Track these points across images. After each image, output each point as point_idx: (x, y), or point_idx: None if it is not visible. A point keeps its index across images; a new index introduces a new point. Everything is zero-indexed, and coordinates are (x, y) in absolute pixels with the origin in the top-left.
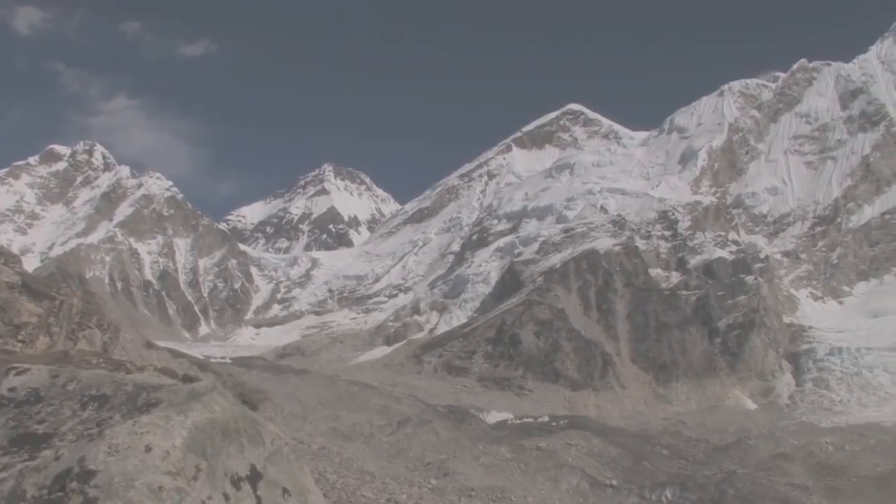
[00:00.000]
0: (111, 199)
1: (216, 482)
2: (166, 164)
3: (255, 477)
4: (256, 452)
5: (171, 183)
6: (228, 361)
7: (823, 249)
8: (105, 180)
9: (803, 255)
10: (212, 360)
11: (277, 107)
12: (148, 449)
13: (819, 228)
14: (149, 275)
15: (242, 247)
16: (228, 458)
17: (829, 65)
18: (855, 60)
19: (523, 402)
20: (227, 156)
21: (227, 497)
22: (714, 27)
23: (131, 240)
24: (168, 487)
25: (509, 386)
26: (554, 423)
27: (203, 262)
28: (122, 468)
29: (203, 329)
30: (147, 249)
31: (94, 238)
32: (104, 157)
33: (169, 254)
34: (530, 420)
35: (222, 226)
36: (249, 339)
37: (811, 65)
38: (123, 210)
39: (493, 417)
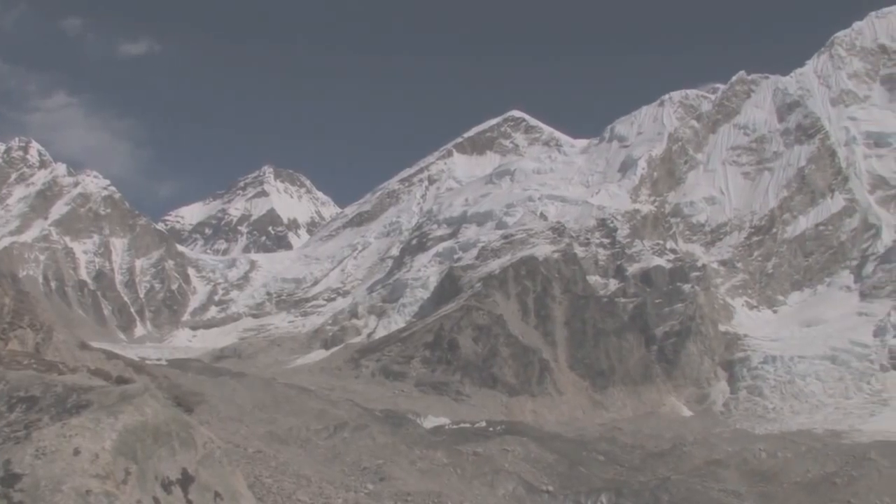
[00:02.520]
0: (46, 196)
1: (146, 486)
2: (105, 164)
3: (186, 481)
4: (188, 456)
5: (108, 182)
6: (164, 363)
7: (759, 259)
8: (40, 178)
9: (739, 265)
10: (147, 361)
11: (219, 108)
12: (76, 452)
13: (755, 238)
14: (84, 275)
15: (180, 248)
16: (159, 461)
17: (767, 78)
18: (792, 74)
19: (461, 408)
20: (168, 156)
21: (157, 501)
22: (655, 38)
23: (66, 239)
24: (96, 491)
25: (447, 391)
26: (491, 429)
27: (140, 263)
28: (49, 471)
29: (139, 330)
30: (83, 249)
31: (27, 236)
32: (40, 155)
33: (105, 253)
34: (467, 425)
35: (160, 226)
36: (186, 341)
37: (750, 77)
38: (59, 208)
39: (430, 422)
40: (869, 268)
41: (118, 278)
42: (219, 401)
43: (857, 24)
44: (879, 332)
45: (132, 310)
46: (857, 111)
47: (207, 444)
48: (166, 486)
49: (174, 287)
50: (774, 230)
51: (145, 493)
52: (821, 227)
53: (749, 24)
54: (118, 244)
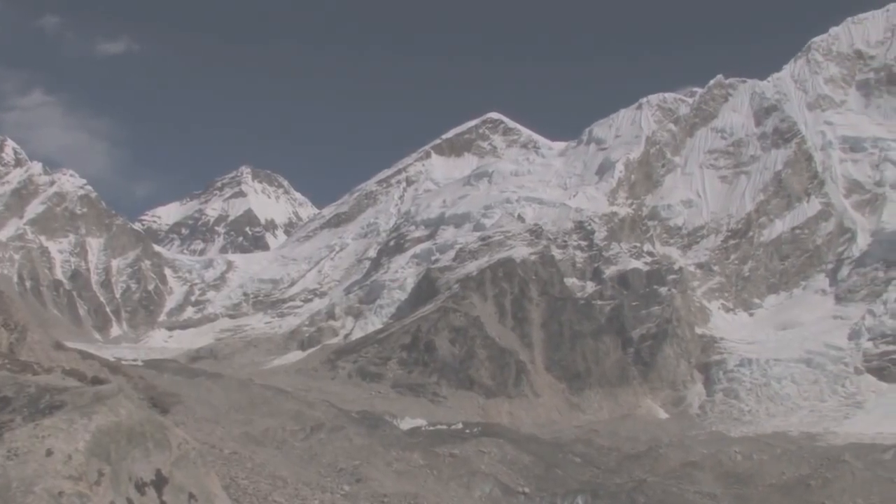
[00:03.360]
0: (22, 195)
1: (120, 487)
2: (82, 163)
3: (160, 482)
4: (162, 457)
5: (84, 181)
6: (140, 364)
7: (735, 262)
8: (16, 176)
9: (716, 268)
10: (123, 362)
11: (197, 107)
12: (49, 453)
13: (732, 241)
14: (59, 274)
15: (157, 248)
16: (133, 462)
17: (745, 82)
18: (769, 78)
19: (437, 409)
20: (145, 156)
21: (130, 502)
22: (633, 41)
23: (42, 238)
24: (69, 493)
25: (423, 392)
26: (467, 431)
27: (116, 263)
28: (20, 473)
29: (115, 330)
30: (58, 248)
31: (2, 235)
32: (15, 153)
33: (81, 253)
34: (444, 427)
35: (137, 226)
36: (162, 342)
37: (727, 81)
38: (34, 207)
39: (406, 424)
40: (844, 271)
41: (94, 278)
42: (195, 402)
43: (833, 30)
44: (854, 335)
45: (108, 310)
46: (833, 116)
47: (182, 446)
48: (140, 487)
49: (150, 287)
50: (751, 234)
51: (119, 494)
52: (797, 231)
53: (727, 28)
54: (94, 244)
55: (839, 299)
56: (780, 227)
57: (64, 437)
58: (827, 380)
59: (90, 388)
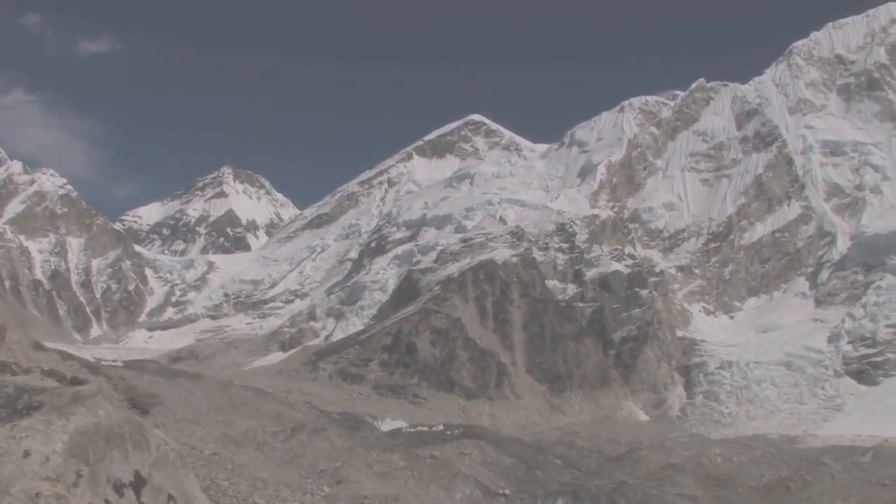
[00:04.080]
0: (1, 195)
1: (98, 488)
2: (62, 163)
3: (139, 483)
4: (141, 458)
5: (65, 180)
6: (120, 364)
7: (716, 265)
8: None
9: (697, 271)
10: (103, 362)
11: (179, 108)
12: (26, 454)
13: (713, 245)
14: (39, 274)
15: (137, 248)
16: (112, 463)
17: (726, 85)
18: (751, 82)
19: (418, 411)
20: (127, 156)
21: (108, 503)
22: (616, 44)
23: (22, 237)
24: (46, 494)
25: (404, 394)
26: (448, 432)
27: (96, 263)
28: None
29: (95, 331)
30: (38, 248)
31: None
32: None
33: (61, 253)
34: (425, 428)
35: (117, 226)
36: (142, 342)
37: (709, 85)
38: (14, 207)
39: (387, 425)
40: (824, 275)
41: (74, 278)
42: (175, 403)
43: (814, 35)
44: (834, 338)
45: (88, 310)
46: (814, 120)
47: (161, 447)
48: (118, 488)
49: (131, 287)
50: (732, 237)
51: (97, 495)
52: (777, 234)
53: (709, 32)
54: (74, 244)
55: (819, 302)
56: (760, 230)
57: (42, 437)
58: (807, 382)
59: (69, 388)
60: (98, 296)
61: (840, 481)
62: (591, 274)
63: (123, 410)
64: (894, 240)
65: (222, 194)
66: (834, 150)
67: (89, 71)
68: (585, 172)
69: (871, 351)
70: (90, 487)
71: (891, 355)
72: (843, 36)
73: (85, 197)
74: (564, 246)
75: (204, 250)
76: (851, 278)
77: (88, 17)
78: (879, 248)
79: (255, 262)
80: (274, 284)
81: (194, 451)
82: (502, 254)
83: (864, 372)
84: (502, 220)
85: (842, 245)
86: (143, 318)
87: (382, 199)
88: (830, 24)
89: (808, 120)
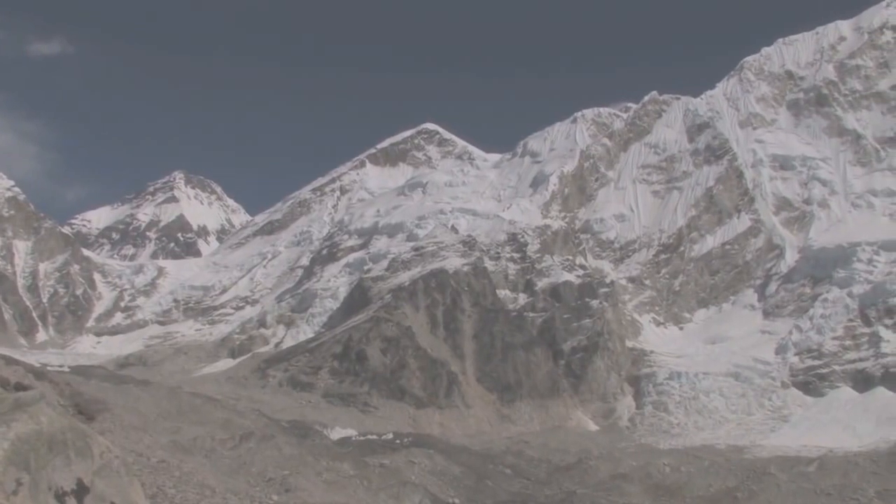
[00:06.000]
0: None
1: (39, 496)
2: (12, 165)
3: (81, 491)
4: (84, 466)
5: (12, 182)
6: (67, 370)
7: (666, 276)
8: None
9: (647, 282)
10: (49, 368)
11: (131, 112)
12: None
13: (663, 256)
14: None
15: (86, 252)
16: (54, 471)
17: (679, 98)
18: (703, 96)
19: (368, 419)
20: (77, 160)
21: None
22: (569, 55)
23: None
24: None
25: (354, 402)
26: (398, 441)
27: (44, 267)
28: None
29: (41, 336)
30: None
31: None
32: None
33: (7, 256)
34: (374, 437)
35: (66, 230)
36: (90, 348)
37: (661, 97)
38: None
39: (337, 434)
40: (772, 287)
41: (20, 282)
42: (122, 409)
43: (765, 50)
44: (781, 349)
45: (34, 315)
46: (764, 134)
47: (105, 454)
48: (60, 496)
49: (79, 292)
50: (682, 248)
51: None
52: (727, 247)
53: (662, 45)
54: (21, 247)
55: (767, 314)
56: (710, 242)
57: None
58: (754, 393)
59: (11, 394)
60: (45, 300)
61: (786, 491)
62: (542, 284)
63: (67, 417)
64: (841, 253)
65: (173, 199)
66: (783, 164)
67: (40, 73)
68: (538, 182)
69: (817, 363)
70: (31, 496)
71: (836, 367)
72: (793, 52)
73: (34, 200)
74: (516, 256)
75: (154, 255)
76: (799, 291)
77: (40, 18)
78: (826, 262)
79: (205, 268)
80: (224, 291)
81: (141, 459)
82: (454, 263)
83: (811, 383)
84: (454, 229)
85: (790, 258)
86: (90, 323)
87: (334, 206)
88: (781, 40)
89: (758, 134)
